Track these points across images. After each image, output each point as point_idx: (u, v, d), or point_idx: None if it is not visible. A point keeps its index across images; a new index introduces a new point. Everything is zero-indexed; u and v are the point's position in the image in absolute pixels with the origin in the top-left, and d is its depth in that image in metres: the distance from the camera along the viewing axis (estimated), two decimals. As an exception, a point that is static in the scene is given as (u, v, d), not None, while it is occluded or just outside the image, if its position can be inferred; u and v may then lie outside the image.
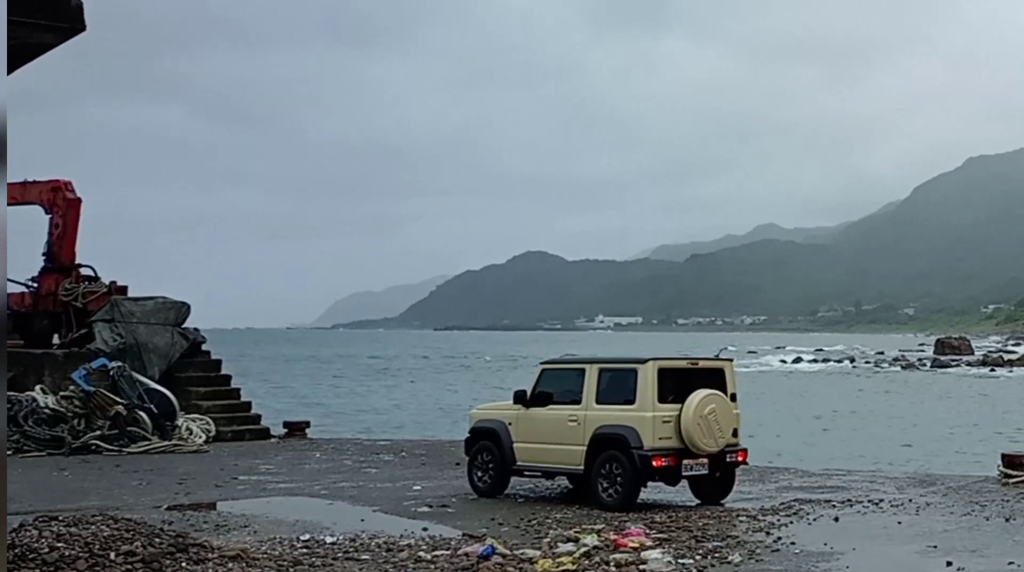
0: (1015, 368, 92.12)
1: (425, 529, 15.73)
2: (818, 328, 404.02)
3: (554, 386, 19.32)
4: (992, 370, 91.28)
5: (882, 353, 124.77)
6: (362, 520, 16.65)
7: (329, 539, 14.77)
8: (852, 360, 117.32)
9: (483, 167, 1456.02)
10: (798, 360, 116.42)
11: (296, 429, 32.11)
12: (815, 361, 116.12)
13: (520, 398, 19.29)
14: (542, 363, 20.43)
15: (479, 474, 19.56)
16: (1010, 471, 21.37)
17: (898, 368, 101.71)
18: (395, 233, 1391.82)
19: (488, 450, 19.49)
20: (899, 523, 16.47)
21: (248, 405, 32.56)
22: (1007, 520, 16.62)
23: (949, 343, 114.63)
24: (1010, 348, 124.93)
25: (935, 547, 14.32)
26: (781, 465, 25.15)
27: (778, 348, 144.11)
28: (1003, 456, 22.29)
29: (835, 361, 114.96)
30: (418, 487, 20.90)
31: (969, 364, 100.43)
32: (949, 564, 13.10)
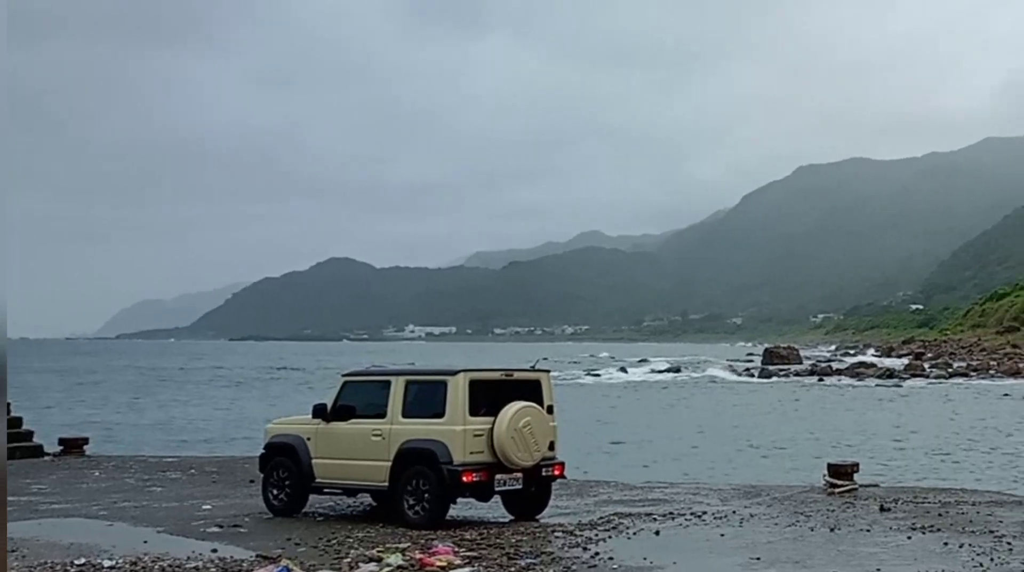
0: (843, 377, 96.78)
1: (215, 551, 15.45)
2: (643, 337, 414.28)
3: (357, 399, 19.27)
4: (820, 379, 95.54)
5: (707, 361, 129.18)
6: (145, 542, 16.31)
7: (107, 563, 14.42)
8: (677, 370, 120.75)
9: (288, 170, 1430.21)
10: (623, 369, 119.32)
11: (73, 446, 31.33)
12: (657, 371, 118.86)
13: (320, 412, 19.20)
14: (344, 375, 20.34)
15: (275, 492, 19.40)
16: (836, 480, 22.43)
17: (735, 377, 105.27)
18: (188, 239, 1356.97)
19: (285, 466, 19.35)
20: (722, 535, 17.04)
21: (19, 420, 31.40)
22: (832, 530, 17.40)
23: (777, 352, 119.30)
24: (839, 357, 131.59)
25: (759, 559, 14.85)
26: (600, 478, 25.67)
27: (611, 357, 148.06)
28: (829, 466, 23.36)
29: (673, 371, 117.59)
30: (208, 506, 20.52)
31: (797, 373, 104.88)
32: (772, 576, 13.62)
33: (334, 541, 16.25)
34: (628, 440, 36.54)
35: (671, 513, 19.45)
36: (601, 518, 18.72)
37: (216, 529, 17.81)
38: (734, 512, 19.56)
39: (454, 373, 18.60)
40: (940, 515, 19.02)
